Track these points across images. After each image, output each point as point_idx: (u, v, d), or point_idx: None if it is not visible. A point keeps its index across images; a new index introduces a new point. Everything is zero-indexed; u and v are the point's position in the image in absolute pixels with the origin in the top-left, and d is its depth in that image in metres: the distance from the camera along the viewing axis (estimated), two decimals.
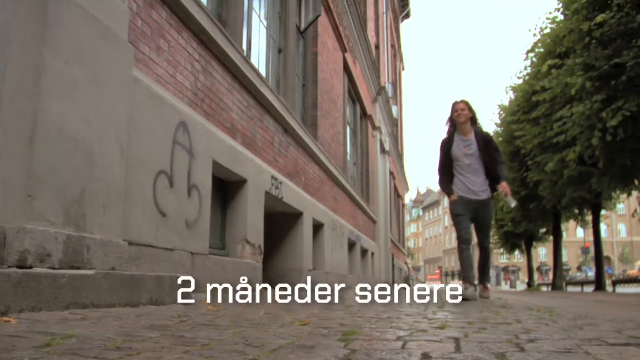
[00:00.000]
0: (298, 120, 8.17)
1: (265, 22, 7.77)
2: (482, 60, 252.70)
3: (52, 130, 2.67)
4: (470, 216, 6.19)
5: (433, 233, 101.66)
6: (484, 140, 6.22)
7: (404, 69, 36.33)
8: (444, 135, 6.44)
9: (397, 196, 26.83)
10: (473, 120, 6.25)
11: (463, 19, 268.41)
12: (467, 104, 6.27)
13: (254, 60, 6.77)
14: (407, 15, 34.11)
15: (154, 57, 4.12)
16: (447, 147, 6.30)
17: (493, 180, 6.19)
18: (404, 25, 36.34)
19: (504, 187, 6.07)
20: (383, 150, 18.73)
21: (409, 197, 68.15)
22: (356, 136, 15.51)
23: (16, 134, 2.58)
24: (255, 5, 7.28)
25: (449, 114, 6.34)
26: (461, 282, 5.96)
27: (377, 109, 18.23)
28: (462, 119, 6.18)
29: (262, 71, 7.18)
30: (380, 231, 18.18)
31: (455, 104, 6.28)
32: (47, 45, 2.65)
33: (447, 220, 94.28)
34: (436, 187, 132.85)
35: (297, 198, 7.92)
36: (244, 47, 6.44)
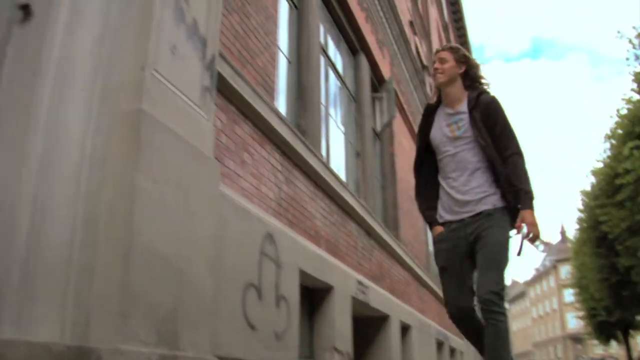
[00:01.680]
0: (379, 221, 8.12)
1: (342, 128, 7.92)
2: (554, 144, 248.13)
3: (144, 250, 2.71)
4: (461, 261, 3.35)
5: (520, 325, 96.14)
6: (482, 111, 3.37)
7: None
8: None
9: None
10: (470, 78, 3.51)
11: (535, 106, 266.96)
12: (452, 51, 3.54)
13: (333, 166, 6.85)
14: None
15: (239, 170, 4.22)
16: (423, 133, 3.68)
17: (502, 183, 3.30)
18: None
19: (527, 219, 3.11)
20: None
21: None
22: None
23: (111, 253, 2.64)
24: (332, 111, 7.46)
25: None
26: None
27: None
28: (440, 77, 3.50)
29: (342, 176, 7.24)
30: None
31: (434, 55, 3.61)
32: (140, 169, 2.74)
33: (535, 311, 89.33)
34: (521, 277, 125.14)
35: (383, 301, 7.72)
36: (324, 153, 6.55)
